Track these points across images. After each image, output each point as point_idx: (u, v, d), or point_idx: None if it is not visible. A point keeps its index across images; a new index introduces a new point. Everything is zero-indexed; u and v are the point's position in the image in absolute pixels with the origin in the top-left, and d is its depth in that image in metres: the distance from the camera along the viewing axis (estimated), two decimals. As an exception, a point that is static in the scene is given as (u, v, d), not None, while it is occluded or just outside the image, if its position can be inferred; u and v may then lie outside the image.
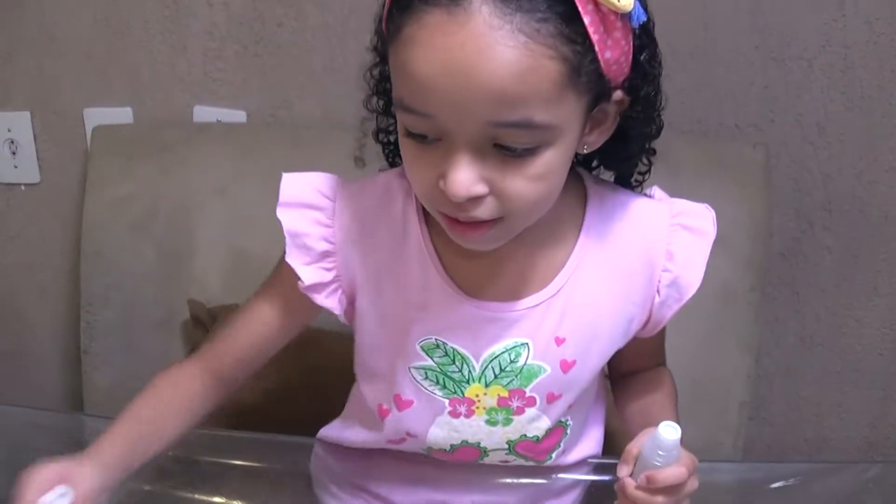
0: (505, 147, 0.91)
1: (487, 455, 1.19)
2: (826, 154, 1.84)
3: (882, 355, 1.99)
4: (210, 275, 1.74)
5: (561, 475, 1.26)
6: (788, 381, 2.02)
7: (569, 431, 1.21)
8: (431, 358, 1.12)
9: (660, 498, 1.01)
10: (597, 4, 0.90)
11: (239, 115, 1.86)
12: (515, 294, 1.10)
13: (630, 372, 1.27)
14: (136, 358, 1.79)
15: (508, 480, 1.26)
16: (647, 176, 1.15)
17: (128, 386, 1.75)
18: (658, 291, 1.12)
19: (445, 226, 1.00)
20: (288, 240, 1.10)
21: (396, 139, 1.10)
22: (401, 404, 1.16)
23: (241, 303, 1.57)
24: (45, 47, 1.83)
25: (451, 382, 1.13)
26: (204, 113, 1.86)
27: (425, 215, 1.10)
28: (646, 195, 1.16)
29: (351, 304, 1.16)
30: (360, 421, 1.25)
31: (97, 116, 1.86)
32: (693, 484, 1.03)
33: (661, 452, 1.00)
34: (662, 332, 1.21)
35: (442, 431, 1.16)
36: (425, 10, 0.88)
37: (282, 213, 1.10)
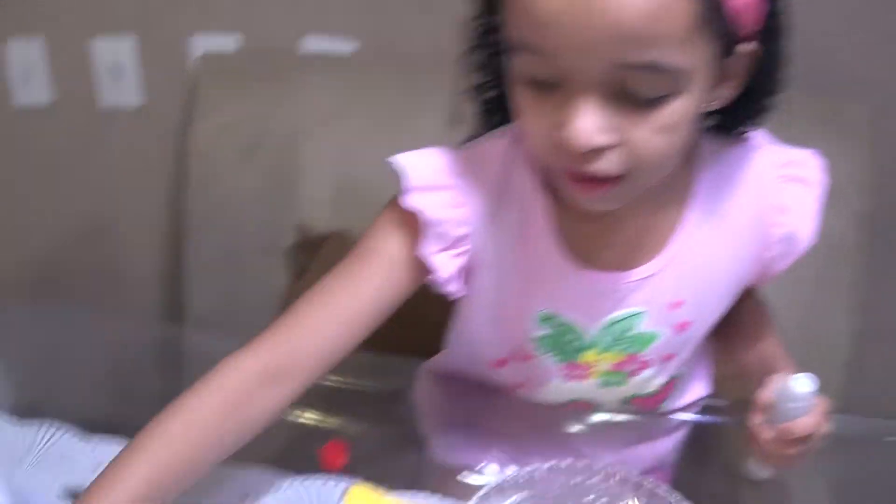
0: (630, 95, 0.86)
1: (600, 408, 1.18)
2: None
3: None
4: (316, 203, 1.74)
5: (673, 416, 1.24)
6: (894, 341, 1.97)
7: (681, 383, 1.20)
8: (547, 328, 1.09)
9: (794, 448, 1.00)
10: None
11: (349, 46, 1.84)
12: (631, 261, 1.05)
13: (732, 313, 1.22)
14: (238, 283, 1.80)
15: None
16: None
17: (229, 310, 1.80)
18: (770, 246, 1.09)
19: (565, 184, 0.95)
20: (423, 230, 1.01)
21: (495, 96, 1.04)
22: (514, 366, 1.14)
23: (349, 230, 1.59)
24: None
25: (567, 350, 1.11)
26: (313, 42, 1.84)
27: (543, 186, 1.04)
28: (751, 143, 1.09)
29: (467, 279, 1.09)
30: (467, 366, 1.22)
31: (203, 43, 1.85)
32: (826, 426, 1.01)
33: (794, 404, 0.98)
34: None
35: (555, 391, 1.15)
36: None
37: (413, 201, 1.01)
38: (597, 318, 1.07)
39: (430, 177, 1.02)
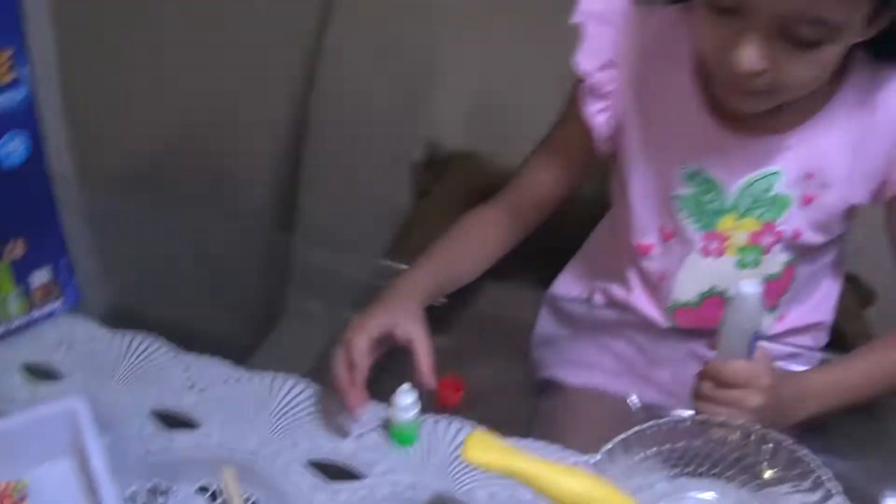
0: (792, 36, 0.97)
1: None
2: None
3: None
4: (450, 117, 1.71)
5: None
6: None
7: (797, 276, 1.22)
8: (691, 186, 1.17)
9: (722, 393, 1.01)
10: None
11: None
12: (771, 128, 1.13)
13: None
14: (356, 197, 1.76)
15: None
16: None
17: (344, 223, 1.73)
18: None
19: (722, 86, 1.08)
20: (582, 42, 1.15)
21: None
22: (664, 236, 1.21)
23: (480, 149, 1.54)
24: None
25: (706, 215, 1.17)
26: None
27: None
28: None
29: (616, 134, 1.20)
30: (602, 271, 1.31)
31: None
32: (755, 399, 1.00)
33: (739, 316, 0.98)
34: None
35: (692, 275, 1.19)
36: None
37: (581, 18, 1.15)
38: (737, 175, 1.15)
39: (600, 8, 1.16)
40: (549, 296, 1.33)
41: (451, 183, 1.55)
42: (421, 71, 1.68)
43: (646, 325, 1.26)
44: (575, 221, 1.33)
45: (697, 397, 1.03)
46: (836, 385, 1.12)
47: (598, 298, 1.31)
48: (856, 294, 1.51)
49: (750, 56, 0.99)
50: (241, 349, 1.15)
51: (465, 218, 1.24)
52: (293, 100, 1.89)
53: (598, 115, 1.18)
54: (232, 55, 1.89)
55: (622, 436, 0.97)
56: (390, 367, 1.10)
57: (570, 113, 1.21)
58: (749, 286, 0.96)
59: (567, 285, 1.35)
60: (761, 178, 1.15)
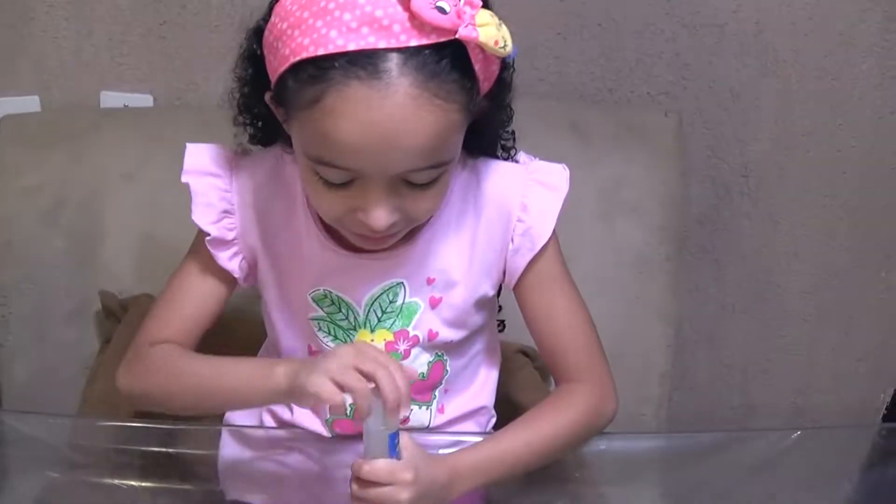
0: (411, 182, 1.06)
1: None
2: (741, 120, 1.85)
3: (806, 321, 1.99)
4: (120, 262, 1.72)
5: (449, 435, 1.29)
6: (712, 349, 2.02)
7: (448, 368, 1.28)
8: (321, 308, 1.23)
9: (370, 492, 1.07)
10: (484, 52, 1.02)
11: (146, 100, 1.84)
12: (391, 246, 1.19)
13: (558, 372, 1.30)
14: (51, 349, 1.76)
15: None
16: (512, 151, 1.26)
17: (44, 378, 1.77)
18: (512, 240, 1.21)
19: (350, 235, 1.14)
20: (193, 199, 1.21)
21: (263, 135, 1.24)
22: (311, 355, 1.25)
23: (153, 292, 1.59)
24: (-52, 36, 1.80)
25: (341, 331, 1.24)
26: (111, 98, 1.84)
27: None
28: (512, 160, 1.26)
29: (252, 270, 1.27)
30: None
31: (4, 106, 1.83)
32: (402, 494, 1.07)
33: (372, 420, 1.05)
34: (573, 316, 1.27)
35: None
36: (345, 81, 0.98)
37: (187, 178, 1.21)
38: (363, 291, 1.21)
39: (202, 164, 1.22)
40: (225, 422, 1.35)
41: (130, 326, 1.56)
42: (88, 224, 1.72)
43: (315, 438, 1.29)
44: (243, 344, 1.35)
45: (353, 498, 1.07)
46: (486, 461, 1.18)
47: (268, 420, 1.32)
48: (534, 366, 1.62)
49: (381, 219, 1.06)
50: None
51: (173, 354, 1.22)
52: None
53: (230, 261, 1.23)
54: None
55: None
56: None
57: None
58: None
59: (239, 412, 1.35)
60: (386, 291, 1.21)
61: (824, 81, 1.82)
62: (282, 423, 1.32)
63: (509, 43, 1.03)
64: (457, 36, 0.99)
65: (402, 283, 1.21)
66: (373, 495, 1.06)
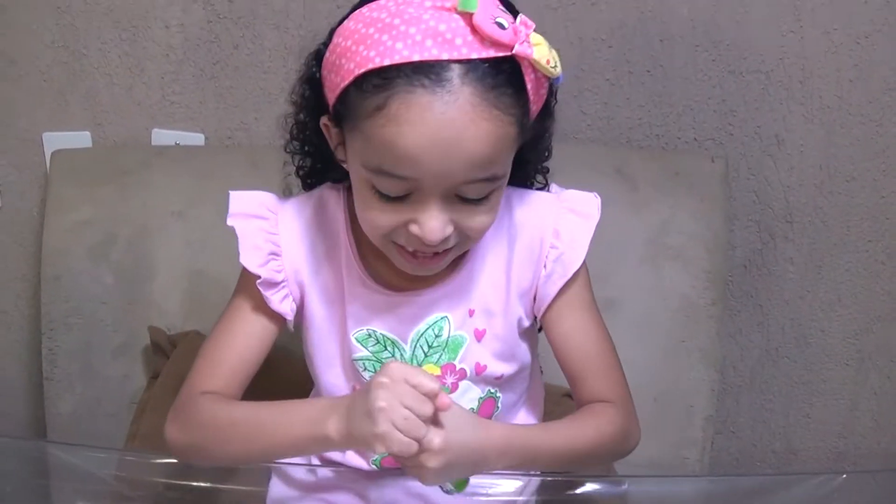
0: (464, 196, 1.09)
1: None
2: (786, 165, 1.85)
3: (848, 365, 1.99)
4: (169, 298, 1.74)
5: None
6: (754, 393, 2.02)
7: (500, 405, 1.30)
8: (366, 348, 1.25)
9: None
10: (535, 71, 1.07)
11: (197, 138, 1.86)
12: (431, 282, 1.23)
13: (585, 394, 1.29)
14: (97, 384, 1.78)
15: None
16: (547, 188, 1.30)
17: (90, 412, 1.78)
18: (545, 266, 1.24)
19: (398, 257, 1.16)
20: (240, 241, 1.23)
21: (311, 173, 1.29)
22: None
23: (201, 328, 1.60)
24: (3, 71, 1.82)
25: None
26: (162, 136, 1.85)
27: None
28: (545, 190, 1.30)
29: (300, 311, 1.28)
30: None
31: (56, 140, 1.85)
32: (432, 461, 1.08)
33: None
34: (600, 344, 1.28)
35: None
36: (410, 90, 1.03)
37: (233, 221, 1.23)
38: (408, 328, 1.24)
39: (248, 208, 1.24)
40: (276, 462, 1.33)
41: (178, 362, 1.59)
42: (137, 260, 1.74)
43: (362, 475, 1.30)
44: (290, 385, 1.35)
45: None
46: (528, 445, 1.18)
47: (315, 458, 1.32)
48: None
49: (435, 230, 1.09)
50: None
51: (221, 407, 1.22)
52: (29, 300, 1.96)
53: (281, 303, 1.25)
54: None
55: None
56: None
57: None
58: None
59: None
60: (431, 326, 1.24)
61: (868, 127, 1.82)
62: (328, 461, 1.32)
63: (559, 65, 1.09)
64: (513, 52, 1.04)
65: (447, 317, 1.24)
66: (404, 461, 1.10)
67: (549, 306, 1.26)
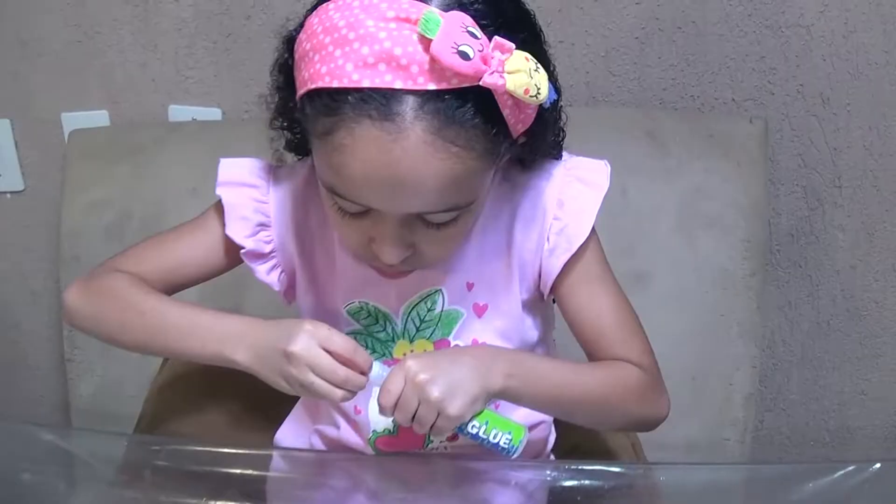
0: (427, 221, 1.02)
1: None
2: (832, 126, 1.76)
3: (905, 338, 1.89)
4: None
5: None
6: (806, 369, 1.94)
7: None
8: (358, 321, 1.20)
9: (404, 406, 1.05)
10: (515, 99, 0.96)
11: (214, 113, 1.83)
12: None
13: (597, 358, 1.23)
14: (117, 365, 1.77)
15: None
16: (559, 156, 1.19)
17: (111, 394, 1.77)
18: (548, 239, 1.16)
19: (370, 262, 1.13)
20: (227, 212, 1.19)
21: (300, 144, 1.20)
22: None
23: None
24: (19, 54, 1.81)
25: (379, 343, 1.20)
26: (179, 112, 1.83)
27: None
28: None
29: (291, 283, 1.24)
30: (315, 415, 1.32)
31: (74, 120, 1.84)
32: (432, 391, 1.04)
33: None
34: (617, 314, 1.20)
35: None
36: (356, 118, 0.95)
37: (221, 191, 1.19)
38: (400, 301, 1.18)
39: (238, 176, 1.21)
40: (275, 445, 1.34)
41: None
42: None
43: (359, 457, 1.27)
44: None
45: (415, 427, 1.05)
46: (536, 368, 1.13)
47: (317, 442, 1.31)
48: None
49: (391, 255, 1.04)
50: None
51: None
52: (55, 281, 1.94)
53: (268, 275, 1.22)
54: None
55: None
56: None
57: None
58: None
59: (289, 434, 1.35)
60: (424, 299, 1.18)
61: (919, 84, 1.73)
62: (329, 443, 1.30)
63: (543, 90, 0.97)
64: (480, 83, 0.94)
65: (441, 290, 1.18)
66: (404, 408, 1.05)
67: (558, 282, 1.17)
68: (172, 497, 1.22)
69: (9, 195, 1.93)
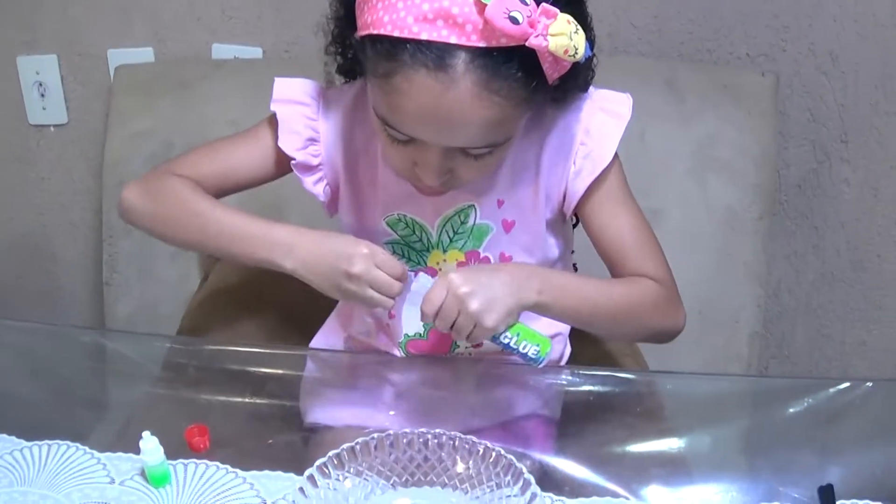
0: (467, 151, 1.11)
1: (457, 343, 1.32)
2: (840, 84, 1.82)
3: (906, 292, 1.95)
4: (224, 202, 1.76)
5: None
6: (810, 318, 1.99)
7: None
8: (396, 231, 1.28)
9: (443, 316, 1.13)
10: (555, 56, 1.04)
11: (255, 52, 1.90)
12: None
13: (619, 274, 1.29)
14: (154, 287, 1.84)
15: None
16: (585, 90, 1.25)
17: (147, 315, 1.84)
18: (574, 162, 1.24)
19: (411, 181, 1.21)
20: (280, 126, 1.26)
21: (349, 70, 1.27)
22: None
23: None
24: (69, -9, 1.89)
25: (415, 253, 1.29)
26: (222, 51, 1.91)
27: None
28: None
29: (335, 196, 1.32)
30: (350, 321, 1.40)
31: (120, 57, 1.92)
32: (471, 303, 1.11)
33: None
34: (638, 232, 1.27)
35: (415, 311, 1.21)
36: (413, 67, 1.03)
37: (276, 106, 1.27)
38: (436, 213, 1.26)
39: (291, 94, 1.28)
40: (311, 349, 1.41)
41: (224, 268, 1.65)
42: None
43: (391, 360, 1.35)
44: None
45: (454, 336, 1.14)
46: (566, 284, 1.20)
47: (351, 346, 1.40)
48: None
49: (432, 178, 1.13)
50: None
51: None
52: (94, 212, 2.03)
53: (315, 186, 1.29)
54: (39, 175, 2.05)
55: (333, 452, 1.06)
56: (139, 417, 1.21)
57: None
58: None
59: (323, 342, 1.43)
60: (458, 213, 1.25)
61: (926, 45, 1.79)
62: (362, 348, 1.38)
63: (581, 49, 1.05)
64: (526, 44, 1.03)
65: (473, 205, 1.25)
66: (444, 316, 1.12)
67: (583, 202, 1.25)
68: (207, 395, 1.28)
69: (52, 128, 2.01)
